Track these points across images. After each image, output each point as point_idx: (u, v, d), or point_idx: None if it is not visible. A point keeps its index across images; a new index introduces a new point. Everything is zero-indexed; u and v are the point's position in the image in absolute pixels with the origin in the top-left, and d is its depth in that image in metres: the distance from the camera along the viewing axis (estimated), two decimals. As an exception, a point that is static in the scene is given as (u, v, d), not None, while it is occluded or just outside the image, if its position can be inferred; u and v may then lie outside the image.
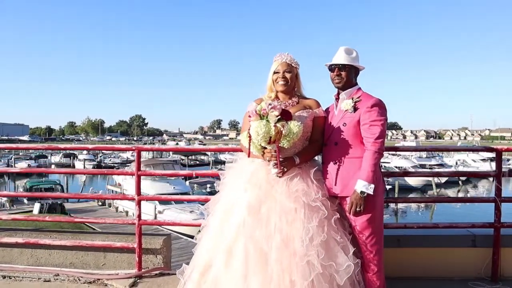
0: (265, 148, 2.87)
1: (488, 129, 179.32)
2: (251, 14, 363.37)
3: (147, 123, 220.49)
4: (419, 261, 3.82)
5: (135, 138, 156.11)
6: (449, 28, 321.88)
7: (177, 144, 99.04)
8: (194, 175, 4.45)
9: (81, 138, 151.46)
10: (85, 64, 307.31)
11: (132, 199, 4.01)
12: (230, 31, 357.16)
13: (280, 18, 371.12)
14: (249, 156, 2.96)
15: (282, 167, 2.85)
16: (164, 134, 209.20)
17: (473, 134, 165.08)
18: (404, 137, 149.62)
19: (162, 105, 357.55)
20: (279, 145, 2.81)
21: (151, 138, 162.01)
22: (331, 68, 3.12)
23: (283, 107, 2.87)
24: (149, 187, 21.69)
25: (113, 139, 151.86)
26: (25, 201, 26.19)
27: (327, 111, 3.21)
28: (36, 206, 20.50)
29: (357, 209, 2.85)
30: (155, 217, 20.81)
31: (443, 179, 39.47)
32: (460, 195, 38.74)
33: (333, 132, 3.07)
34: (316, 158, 3.19)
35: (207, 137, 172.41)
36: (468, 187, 41.94)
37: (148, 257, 4.02)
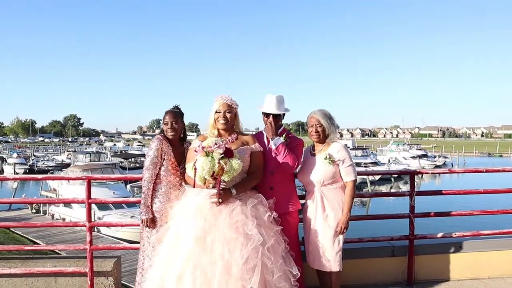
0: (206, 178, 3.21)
1: (418, 127, 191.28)
2: (188, 11, 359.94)
3: (83, 123, 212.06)
4: (346, 271, 4.18)
5: (70, 139, 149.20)
6: (386, 32, 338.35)
7: (114, 145, 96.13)
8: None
9: (9, 140, 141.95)
10: (12, 61, 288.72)
11: (83, 226, 4.18)
12: (168, 24, 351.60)
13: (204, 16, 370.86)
14: (194, 186, 3.29)
15: (219, 198, 3.20)
16: (101, 135, 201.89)
17: (404, 132, 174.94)
18: (341, 135, 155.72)
19: (99, 105, 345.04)
20: (221, 179, 3.16)
21: (87, 139, 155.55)
22: (267, 114, 3.70)
23: (226, 146, 3.23)
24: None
25: (46, 140, 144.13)
26: None
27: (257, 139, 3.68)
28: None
29: None
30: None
31: (377, 176, 42.06)
32: (393, 190, 41.19)
33: (268, 164, 3.63)
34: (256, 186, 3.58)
35: (146, 137, 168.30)
36: (399, 183, 44.62)
37: (100, 279, 4.20)
